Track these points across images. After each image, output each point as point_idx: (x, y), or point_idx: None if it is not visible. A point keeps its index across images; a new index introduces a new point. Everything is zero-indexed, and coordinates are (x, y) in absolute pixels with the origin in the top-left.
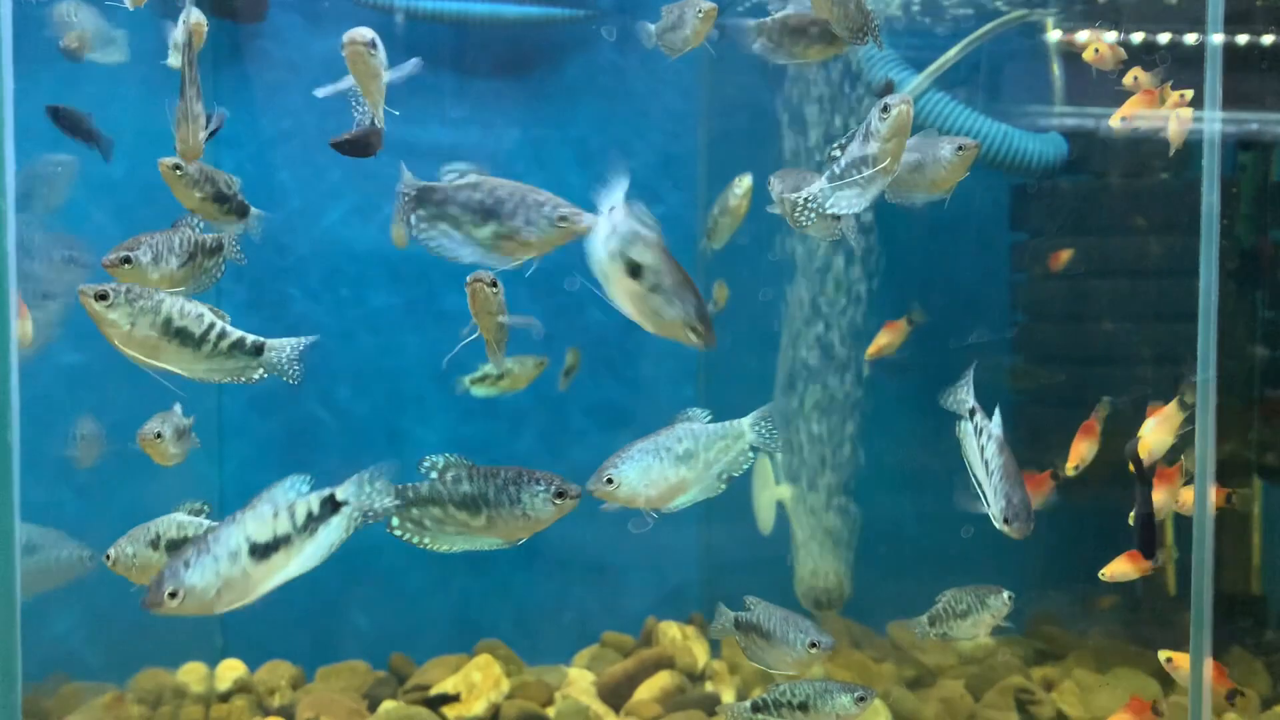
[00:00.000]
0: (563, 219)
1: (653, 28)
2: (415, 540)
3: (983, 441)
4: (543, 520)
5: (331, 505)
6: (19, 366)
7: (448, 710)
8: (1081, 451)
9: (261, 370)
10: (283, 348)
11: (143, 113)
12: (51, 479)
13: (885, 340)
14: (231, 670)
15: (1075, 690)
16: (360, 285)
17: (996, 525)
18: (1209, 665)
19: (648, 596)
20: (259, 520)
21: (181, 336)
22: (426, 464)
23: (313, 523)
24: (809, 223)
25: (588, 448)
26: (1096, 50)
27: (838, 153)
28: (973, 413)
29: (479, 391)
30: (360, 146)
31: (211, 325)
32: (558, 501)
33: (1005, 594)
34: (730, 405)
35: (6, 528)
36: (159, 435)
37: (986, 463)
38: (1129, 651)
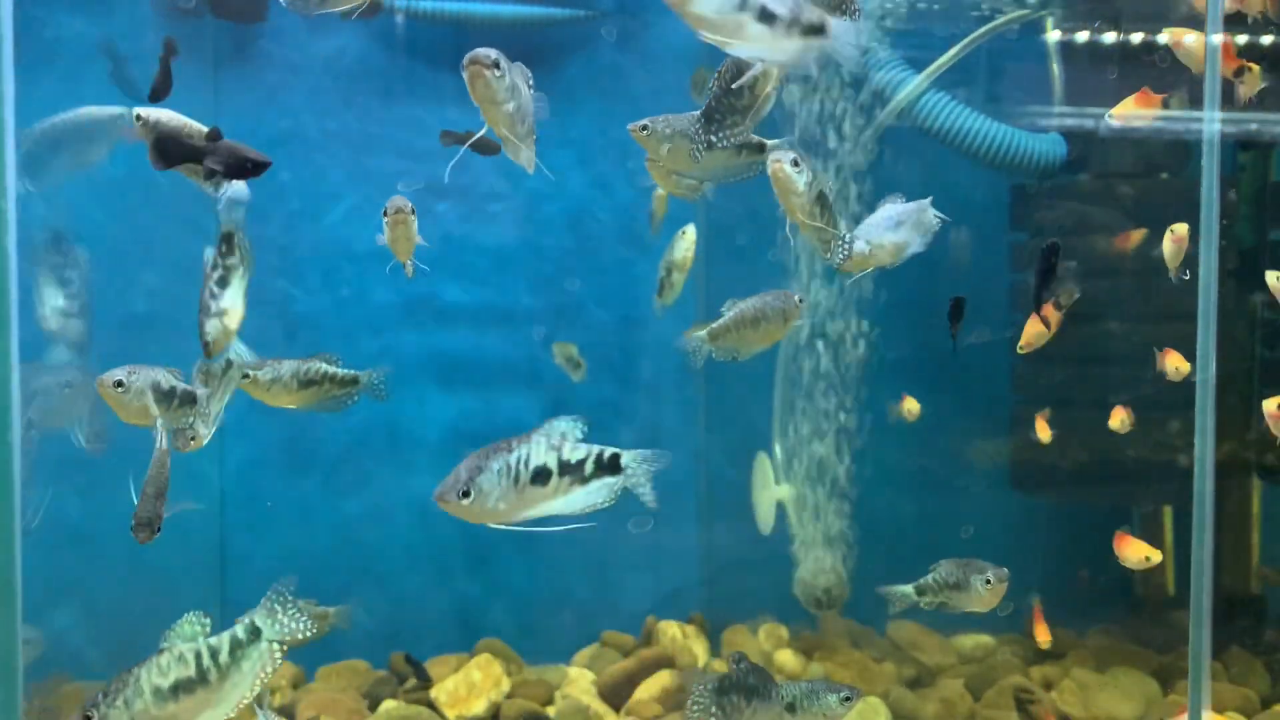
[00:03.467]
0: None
1: None
2: None
3: None
4: None
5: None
6: (19, 367)
7: (435, 696)
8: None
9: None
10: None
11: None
12: (52, 479)
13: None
14: None
15: (1075, 689)
16: (360, 285)
17: None
18: (1208, 665)
19: (648, 596)
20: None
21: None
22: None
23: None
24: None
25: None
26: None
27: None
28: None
29: None
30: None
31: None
32: None
33: (997, 571)
34: (731, 404)
35: (7, 527)
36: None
37: None
38: (1128, 651)
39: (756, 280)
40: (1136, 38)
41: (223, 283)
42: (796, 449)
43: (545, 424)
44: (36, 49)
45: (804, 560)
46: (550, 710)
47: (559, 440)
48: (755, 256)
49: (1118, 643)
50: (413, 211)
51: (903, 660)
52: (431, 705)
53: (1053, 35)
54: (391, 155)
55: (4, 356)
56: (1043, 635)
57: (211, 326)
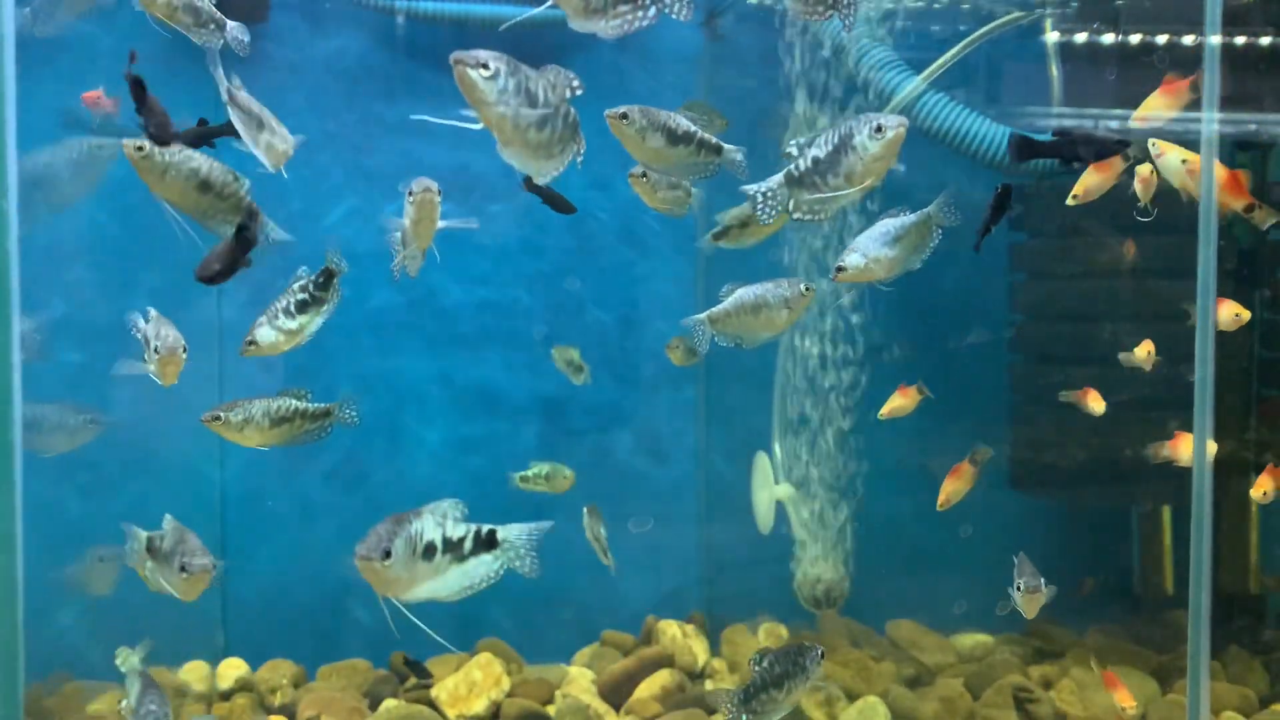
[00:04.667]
0: None
1: None
2: None
3: None
4: None
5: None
6: (20, 367)
7: (436, 695)
8: (949, 491)
9: None
10: None
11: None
12: (52, 479)
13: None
14: (233, 669)
15: (1073, 689)
16: (360, 285)
17: None
18: (1207, 665)
19: (648, 595)
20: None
21: None
22: (755, 657)
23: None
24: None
25: (588, 448)
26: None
27: (794, 150)
28: None
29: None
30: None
31: None
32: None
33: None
34: (731, 404)
35: (8, 528)
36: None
37: None
38: (1127, 650)
39: (756, 279)
40: (1135, 38)
41: (302, 307)
42: (795, 448)
43: (430, 504)
44: (37, 49)
45: (803, 559)
46: (550, 709)
47: (441, 518)
48: (755, 256)
49: (1117, 642)
50: (440, 193)
51: (902, 659)
52: (432, 704)
53: (1052, 35)
54: (392, 156)
55: (4, 356)
56: (1126, 701)
57: (264, 334)
